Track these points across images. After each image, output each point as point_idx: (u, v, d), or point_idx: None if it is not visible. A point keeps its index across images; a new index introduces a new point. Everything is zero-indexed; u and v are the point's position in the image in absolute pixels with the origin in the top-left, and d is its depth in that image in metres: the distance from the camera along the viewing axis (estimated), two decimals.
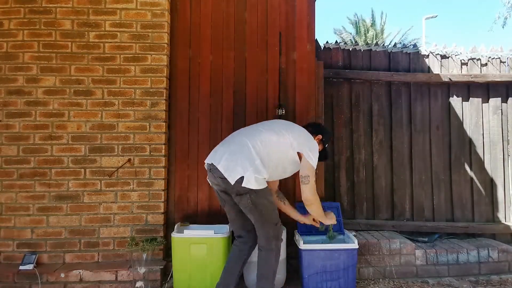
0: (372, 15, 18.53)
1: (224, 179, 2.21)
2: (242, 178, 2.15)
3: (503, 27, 10.48)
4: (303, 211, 3.02)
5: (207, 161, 2.35)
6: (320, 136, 2.57)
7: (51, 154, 2.93)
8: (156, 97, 3.01)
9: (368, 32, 17.80)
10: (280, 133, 2.36)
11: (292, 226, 3.06)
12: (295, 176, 3.18)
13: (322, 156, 2.60)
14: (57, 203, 2.91)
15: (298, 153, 2.35)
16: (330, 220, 2.60)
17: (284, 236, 2.75)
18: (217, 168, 2.23)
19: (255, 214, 2.26)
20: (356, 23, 18.60)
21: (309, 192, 2.34)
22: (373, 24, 18.19)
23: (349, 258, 2.63)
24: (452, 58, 3.78)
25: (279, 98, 3.24)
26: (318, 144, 2.52)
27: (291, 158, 2.37)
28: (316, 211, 2.45)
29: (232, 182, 2.17)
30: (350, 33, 18.70)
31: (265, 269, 2.32)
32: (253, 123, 3.18)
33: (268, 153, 2.27)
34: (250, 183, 2.16)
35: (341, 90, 3.66)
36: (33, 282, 2.66)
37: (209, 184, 3.15)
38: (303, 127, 2.57)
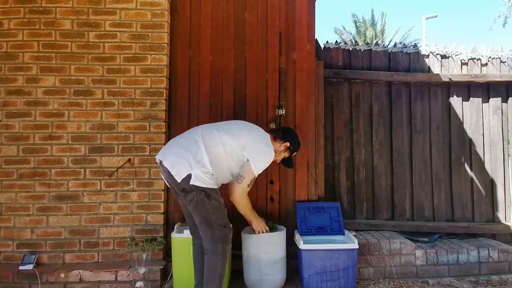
0: (372, 14, 18.55)
1: (170, 175, 2.15)
2: (189, 175, 2.10)
3: (503, 26, 10.48)
4: (303, 212, 3.03)
5: (157, 157, 2.30)
6: (287, 144, 2.53)
7: (51, 154, 2.93)
8: (156, 97, 3.01)
9: (368, 32, 17.81)
10: (235, 135, 2.31)
11: (292, 226, 3.06)
12: (295, 176, 3.20)
13: (286, 162, 2.65)
14: (57, 203, 2.91)
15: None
16: (257, 226, 2.55)
17: (284, 236, 2.75)
18: (163, 164, 2.20)
19: (200, 213, 2.18)
20: (356, 22, 18.61)
21: (237, 193, 2.33)
22: (373, 23, 18.20)
23: (349, 258, 2.63)
24: (452, 58, 3.78)
25: (279, 98, 3.23)
26: (284, 151, 2.55)
27: (241, 162, 2.32)
28: (242, 211, 2.44)
29: (179, 180, 2.11)
30: (350, 33, 18.71)
31: (210, 273, 2.21)
32: (253, 123, 3.20)
33: (216, 155, 2.23)
34: (198, 181, 2.11)
35: (341, 90, 3.66)
36: (33, 282, 2.66)
37: None
38: (275, 130, 2.59)
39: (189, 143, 2.23)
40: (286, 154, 2.59)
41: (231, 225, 2.34)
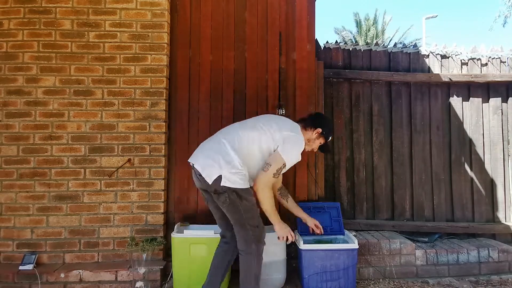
0: (375, 14, 18.55)
1: (202, 177, 2.15)
2: (220, 176, 2.09)
3: (503, 25, 10.48)
4: (306, 211, 3.02)
5: (190, 160, 2.29)
6: (319, 130, 2.40)
7: (51, 154, 2.93)
8: (156, 97, 3.01)
9: (369, 31, 17.80)
10: (260, 129, 2.24)
11: (292, 226, 3.06)
12: (295, 176, 3.20)
13: (324, 149, 2.52)
14: (57, 203, 2.91)
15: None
16: (279, 231, 2.30)
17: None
18: (195, 167, 2.21)
19: (233, 214, 2.17)
20: (357, 22, 18.61)
21: (260, 181, 2.17)
22: (374, 23, 18.19)
23: (349, 258, 2.63)
24: (452, 58, 3.78)
25: (279, 98, 3.23)
26: (318, 138, 2.41)
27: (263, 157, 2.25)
28: (263, 205, 2.21)
29: (210, 182, 2.11)
30: (351, 32, 18.70)
31: (246, 274, 2.20)
32: None
33: (248, 150, 2.19)
34: (229, 182, 2.09)
35: (341, 90, 3.66)
36: (33, 282, 2.66)
37: None
38: (304, 119, 2.47)
39: (216, 145, 2.22)
40: (321, 141, 2.44)
41: (263, 225, 2.28)
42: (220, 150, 2.16)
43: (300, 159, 2.27)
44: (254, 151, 2.21)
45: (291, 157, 2.21)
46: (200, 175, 2.16)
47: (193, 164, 2.25)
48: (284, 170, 2.25)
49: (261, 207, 2.22)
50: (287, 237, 2.30)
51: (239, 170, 2.13)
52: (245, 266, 2.20)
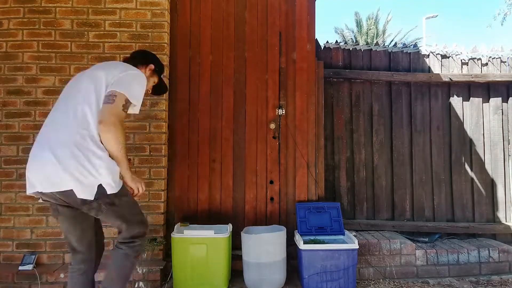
0: (376, 13, 18.53)
1: (67, 193, 1.68)
2: (101, 185, 1.70)
3: (502, 24, 10.48)
4: (303, 212, 3.02)
5: (29, 190, 1.75)
6: (152, 66, 2.11)
7: None
8: (156, 97, 3.00)
9: (370, 30, 17.79)
10: (95, 85, 1.82)
11: (292, 226, 3.06)
12: (295, 176, 3.20)
13: (158, 89, 2.23)
14: None
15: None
16: (132, 182, 1.86)
17: (284, 236, 2.75)
18: (50, 192, 1.70)
19: (119, 217, 1.83)
20: (357, 22, 18.59)
21: (109, 113, 1.72)
22: (375, 22, 18.17)
23: (349, 258, 2.62)
24: (452, 58, 3.78)
25: (279, 98, 3.23)
26: (152, 76, 2.13)
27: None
28: (113, 145, 1.73)
29: (92, 197, 1.69)
30: (352, 31, 18.68)
31: (120, 269, 1.89)
32: (253, 123, 3.21)
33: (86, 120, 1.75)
34: (110, 187, 1.73)
35: (341, 90, 3.66)
36: (32, 282, 2.66)
37: (208, 185, 3.16)
38: (130, 58, 2.13)
39: (67, 147, 1.71)
40: (155, 80, 2.18)
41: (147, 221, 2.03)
42: (78, 155, 1.68)
43: (143, 96, 1.93)
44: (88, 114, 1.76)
45: (136, 94, 1.85)
46: (69, 191, 1.68)
47: (39, 191, 1.73)
48: (132, 110, 1.89)
49: (109, 149, 1.74)
50: (138, 189, 1.91)
51: (112, 166, 1.73)
52: (119, 261, 1.90)
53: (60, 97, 1.94)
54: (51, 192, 1.71)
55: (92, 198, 1.70)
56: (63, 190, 1.68)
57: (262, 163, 3.19)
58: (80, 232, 1.88)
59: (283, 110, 3.19)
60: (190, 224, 2.97)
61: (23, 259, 2.76)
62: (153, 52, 2.29)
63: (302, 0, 3.29)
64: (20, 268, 2.70)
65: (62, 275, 2.68)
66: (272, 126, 3.18)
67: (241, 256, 2.78)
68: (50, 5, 2.98)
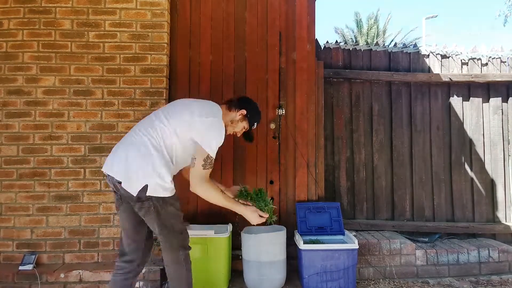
0: (376, 13, 18.53)
1: (121, 185, 1.88)
2: (146, 186, 1.85)
3: (504, 25, 10.48)
4: (303, 212, 3.03)
5: (104, 170, 1.98)
6: (243, 111, 2.15)
7: (50, 154, 2.93)
8: (156, 97, 3.00)
9: (370, 30, 17.78)
10: (180, 124, 1.98)
11: (292, 226, 3.06)
12: (295, 176, 3.20)
13: (247, 136, 2.27)
14: (57, 203, 2.91)
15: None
16: (251, 217, 2.05)
17: (284, 236, 2.75)
18: (111, 176, 1.91)
19: (158, 224, 1.92)
20: (357, 22, 18.58)
21: (194, 178, 1.95)
22: (376, 22, 18.17)
23: (349, 258, 2.62)
24: (452, 58, 3.78)
25: (279, 98, 3.23)
26: (242, 121, 2.17)
27: (195, 148, 2.00)
28: (211, 200, 2.00)
29: (134, 193, 1.85)
30: (352, 31, 18.67)
31: (179, 284, 2.03)
32: None
33: (172, 147, 1.96)
34: (157, 191, 1.87)
35: (341, 90, 3.66)
36: (32, 282, 2.66)
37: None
38: (229, 100, 2.23)
39: (137, 149, 1.92)
40: (246, 125, 2.20)
41: (187, 230, 2.13)
42: (145, 156, 1.89)
43: (222, 142, 2.00)
44: (176, 145, 1.98)
45: (211, 144, 1.95)
46: (120, 183, 1.88)
47: (107, 174, 1.95)
48: (213, 158, 2.00)
49: (212, 202, 2.02)
50: (261, 218, 2.06)
51: (166, 178, 1.91)
52: (175, 276, 2.02)
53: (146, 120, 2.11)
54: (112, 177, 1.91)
55: (145, 195, 1.85)
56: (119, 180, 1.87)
57: (262, 163, 3.19)
58: (132, 230, 2.01)
59: (283, 110, 3.19)
60: (190, 224, 2.97)
61: (23, 259, 2.76)
62: (253, 101, 2.28)
63: (302, 0, 3.29)
64: (20, 268, 2.70)
65: (62, 275, 2.69)
66: (272, 126, 3.18)
67: (241, 256, 2.78)
68: (50, 5, 2.98)
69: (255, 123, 2.24)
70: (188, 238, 2.09)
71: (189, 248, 2.08)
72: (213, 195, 1.98)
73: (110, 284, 2.03)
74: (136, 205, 1.90)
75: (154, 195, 1.87)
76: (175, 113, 2.02)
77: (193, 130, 1.97)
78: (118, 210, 2.04)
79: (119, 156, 1.94)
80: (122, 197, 1.96)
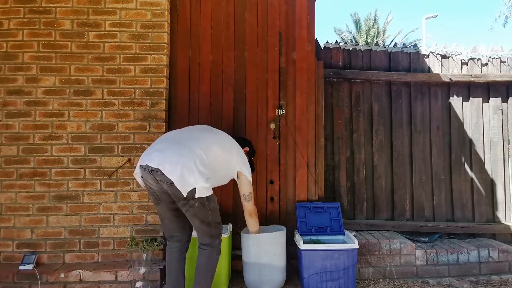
0: (375, 13, 18.54)
1: (171, 184, 2.08)
2: (194, 188, 2.10)
3: (504, 26, 10.47)
4: (303, 212, 3.03)
5: (151, 164, 2.15)
6: (247, 148, 2.69)
7: (51, 154, 2.93)
8: (156, 97, 3.01)
9: (370, 30, 17.79)
10: (226, 148, 2.42)
11: (292, 226, 3.06)
12: (295, 176, 3.20)
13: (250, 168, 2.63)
14: (57, 203, 2.91)
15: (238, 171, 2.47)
16: None
17: (284, 236, 2.76)
18: (162, 173, 2.10)
19: (201, 217, 2.20)
20: (356, 22, 18.59)
21: (249, 211, 2.56)
22: (375, 22, 18.17)
23: (349, 258, 2.63)
24: (452, 58, 3.78)
25: (279, 98, 3.23)
26: (246, 155, 2.63)
27: (232, 174, 2.49)
28: (254, 224, 2.61)
29: (185, 194, 2.08)
30: (351, 32, 18.68)
31: (206, 268, 2.28)
32: (253, 123, 3.22)
33: (214, 167, 2.29)
34: (202, 193, 2.13)
35: (341, 90, 3.66)
36: (32, 282, 2.66)
37: None
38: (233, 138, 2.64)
39: (190, 154, 2.18)
40: (247, 159, 2.65)
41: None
42: (195, 161, 2.15)
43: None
44: (219, 167, 2.38)
45: (249, 173, 2.50)
46: (170, 181, 2.09)
47: (156, 168, 2.12)
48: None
49: (250, 225, 2.63)
50: None
51: (209, 182, 2.20)
52: (206, 259, 2.28)
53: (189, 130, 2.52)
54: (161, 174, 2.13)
55: (191, 196, 2.11)
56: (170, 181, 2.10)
57: (262, 163, 3.19)
58: (173, 217, 2.32)
59: (283, 110, 3.19)
60: None
61: (23, 259, 2.76)
62: (251, 143, 2.82)
63: (302, 0, 3.29)
64: (21, 268, 2.70)
65: (62, 275, 2.69)
66: (272, 126, 3.19)
67: (241, 256, 2.78)
68: (50, 5, 2.98)
69: (253, 157, 2.82)
70: (222, 229, 2.40)
71: (220, 236, 2.38)
72: (257, 226, 2.67)
73: (169, 261, 2.36)
74: (181, 202, 2.15)
75: (199, 197, 2.13)
76: (228, 144, 2.50)
77: (238, 163, 2.48)
78: (156, 204, 2.31)
79: (170, 158, 2.14)
80: (157, 192, 2.22)
